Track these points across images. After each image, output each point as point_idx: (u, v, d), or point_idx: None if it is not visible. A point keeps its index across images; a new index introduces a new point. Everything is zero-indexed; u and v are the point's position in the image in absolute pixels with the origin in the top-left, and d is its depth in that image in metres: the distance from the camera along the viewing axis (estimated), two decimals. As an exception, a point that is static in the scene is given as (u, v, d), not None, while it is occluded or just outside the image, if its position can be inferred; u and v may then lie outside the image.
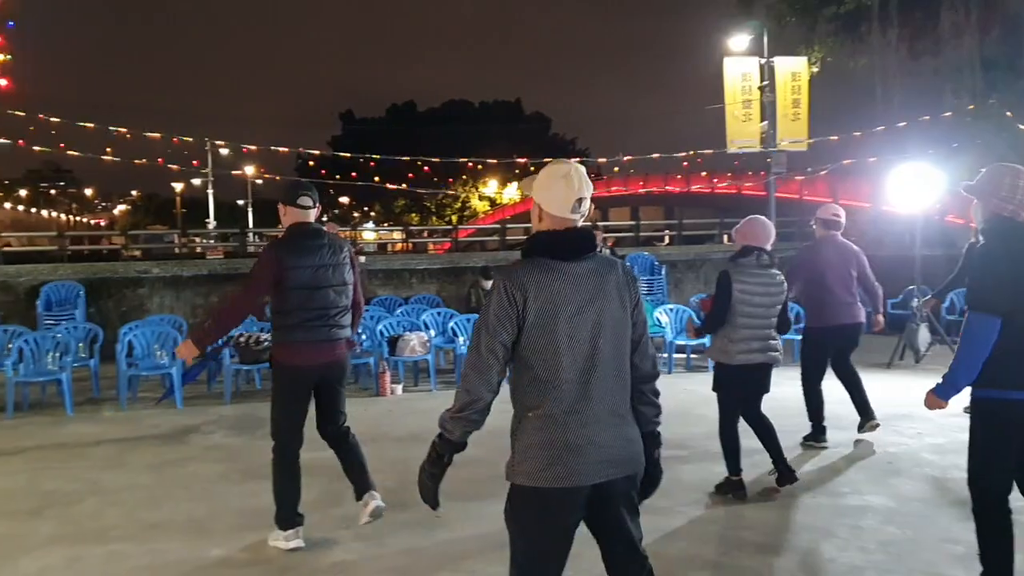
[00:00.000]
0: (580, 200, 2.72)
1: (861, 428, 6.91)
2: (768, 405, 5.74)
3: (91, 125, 18.22)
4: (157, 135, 20.66)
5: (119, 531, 5.11)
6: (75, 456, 6.98)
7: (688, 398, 8.81)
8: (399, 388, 9.56)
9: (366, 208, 74.63)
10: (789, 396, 7.04)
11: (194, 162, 34.75)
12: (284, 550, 4.67)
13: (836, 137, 20.99)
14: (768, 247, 5.47)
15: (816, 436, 6.80)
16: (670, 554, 4.57)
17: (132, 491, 5.95)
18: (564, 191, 2.72)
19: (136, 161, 23.02)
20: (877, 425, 6.88)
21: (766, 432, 5.61)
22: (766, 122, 18.76)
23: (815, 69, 19.61)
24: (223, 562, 4.61)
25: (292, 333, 4.66)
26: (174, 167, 32.19)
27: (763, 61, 18.89)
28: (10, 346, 9.15)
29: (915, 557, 4.43)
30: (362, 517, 4.83)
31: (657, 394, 2.87)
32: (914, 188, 10.24)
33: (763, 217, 5.72)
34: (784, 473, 5.56)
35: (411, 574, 4.40)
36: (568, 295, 2.67)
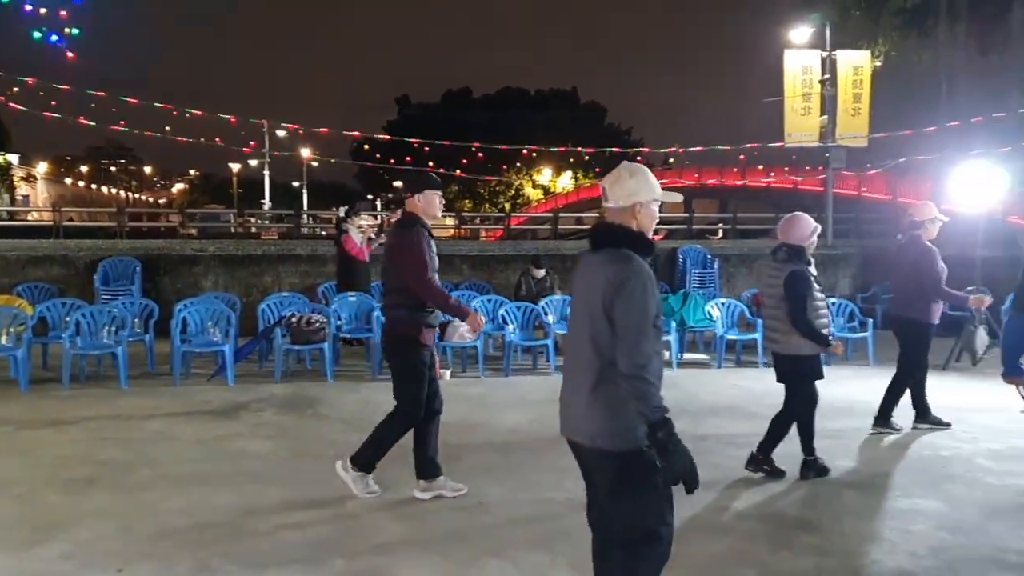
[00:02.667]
0: (602, 188, 3.18)
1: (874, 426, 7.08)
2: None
3: (155, 104, 18.56)
4: (216, 115, 20.98)
5: (169, 503, 5.20)
6: (129, 428, 7.14)
7: (737, 393, 8.73)
8: (447, 373, 9.59)
9: (419, 193, 74.92)
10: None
11: (251, 143, 35.16)
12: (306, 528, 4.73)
13: (909, 132, 20.52)
14: (802, 244, 5.69)
15: (918, 418, 7.15)
16: (716, 551, 4.53)
17: (182, 464, 6.05)
18: None
19: (210, 141, 23.31)
20: (882, 434, 6.99)
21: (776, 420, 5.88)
22: (825, 116, 18.40)
23: (878, 63, 19.15)
24: (269, 536, 4.67)
25: None
26: (232, 148, 32.61)
27: (825, 54, 18.51)
28: (67, 319, 9.39)
29: (966, 565, 4.31)
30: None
31: (634, 393, 2.87)
32: (977, 187, 9.96)
33: (799, 214, 5.90)
34: (752, 457, 5.84)
35: (453, 559, 4.39)
36: (577, 276, 3.20)
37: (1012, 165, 14.72)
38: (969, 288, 8.25)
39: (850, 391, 8.52)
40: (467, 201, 65.22)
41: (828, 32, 18.55)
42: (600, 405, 2.97)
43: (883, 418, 7.02)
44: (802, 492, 5.49)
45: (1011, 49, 19.42)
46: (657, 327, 2.97)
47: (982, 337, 9.72)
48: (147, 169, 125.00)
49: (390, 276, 5.26)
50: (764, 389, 8.74)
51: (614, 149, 35.85)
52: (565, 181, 63.48)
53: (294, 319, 9.33)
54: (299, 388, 8.79)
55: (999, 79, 21.29)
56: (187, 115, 20.77)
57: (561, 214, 31.68)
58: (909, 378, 6.99)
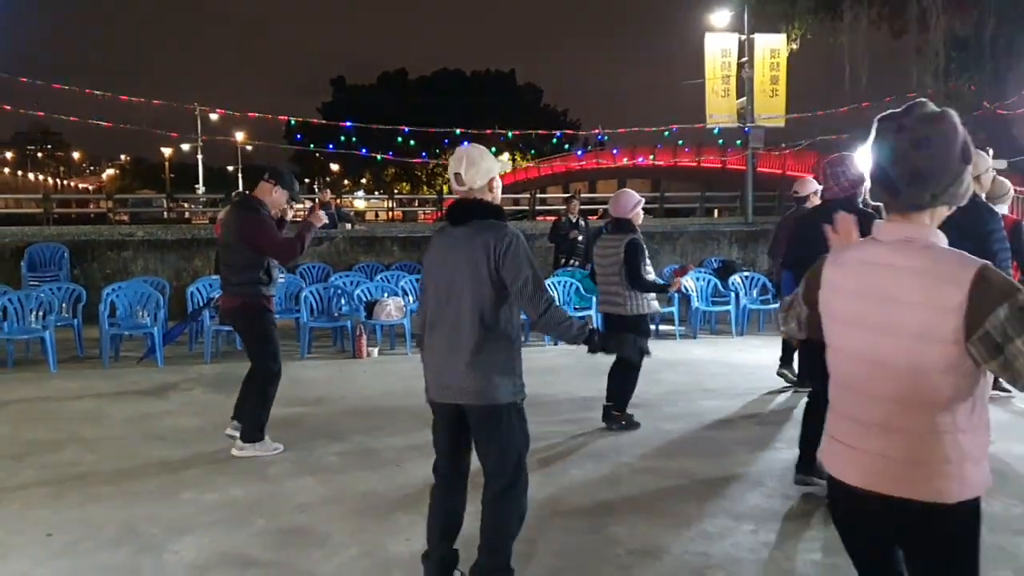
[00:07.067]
0: (455, 175, 3.43)
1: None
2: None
3: (82, 89, 18.32)
4: (147, 100, 20.74)
5: (97, 475, 5.43)
6: (57, 409, 7.28)
7: (650, 363, 9.13)
8: (375, 351, 9.86)
9: (357, 176, 74.49)
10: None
11: (176, 131, 34.64)
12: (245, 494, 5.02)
13: (820, 112, 21.28)
14: (626, 216, 6.28)
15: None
16: (589, 482, 4.92)
17: (111, 441, 6.26)
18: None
19: (129, 126, 22.99)
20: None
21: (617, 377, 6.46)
22: (744, 98, 18.97)
23: (794, 46, 19.79)
24: (193, 503, 4.93)
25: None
26: (166, 133, 32.13)
27: (743, 37, 19.07)
28: (-6, 305, 9.41)
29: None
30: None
31: (554, 324, 3.39)
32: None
33: (625, 191, 6.59)
34: (606, 412, 6.46)
35: (368, 516, 4.70)
36: (441, 250, 3.47)
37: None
38: None
39: (760, 357, 9.02)
40: (405, 184, 65.06)
41: (746, 15, 19.10)
42: (485, 366, 3.35)
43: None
44: (685, 448, 5.93)
45: (918, 33, 20.27)
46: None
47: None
48: (76, 155, 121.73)
49: (246, 254, 5.66)
50: (670, 358, 9.21)
51: (540, 132, 36.26)
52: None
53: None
54: (228, 367, 8.96)
55: (912, 59, 22.17)
56: (118, 100, 20.50)
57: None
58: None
